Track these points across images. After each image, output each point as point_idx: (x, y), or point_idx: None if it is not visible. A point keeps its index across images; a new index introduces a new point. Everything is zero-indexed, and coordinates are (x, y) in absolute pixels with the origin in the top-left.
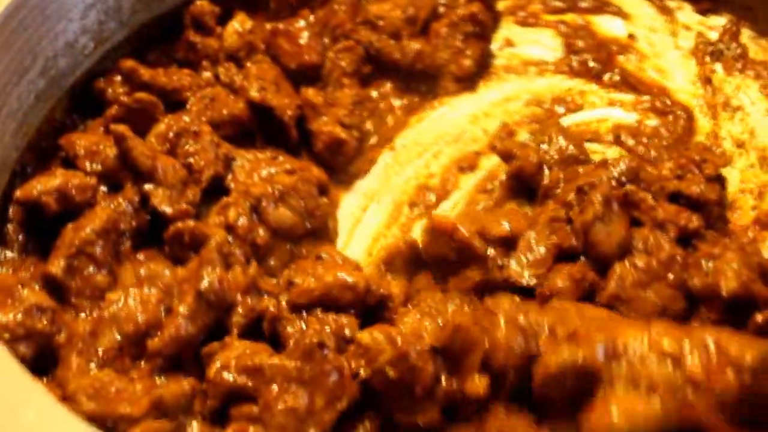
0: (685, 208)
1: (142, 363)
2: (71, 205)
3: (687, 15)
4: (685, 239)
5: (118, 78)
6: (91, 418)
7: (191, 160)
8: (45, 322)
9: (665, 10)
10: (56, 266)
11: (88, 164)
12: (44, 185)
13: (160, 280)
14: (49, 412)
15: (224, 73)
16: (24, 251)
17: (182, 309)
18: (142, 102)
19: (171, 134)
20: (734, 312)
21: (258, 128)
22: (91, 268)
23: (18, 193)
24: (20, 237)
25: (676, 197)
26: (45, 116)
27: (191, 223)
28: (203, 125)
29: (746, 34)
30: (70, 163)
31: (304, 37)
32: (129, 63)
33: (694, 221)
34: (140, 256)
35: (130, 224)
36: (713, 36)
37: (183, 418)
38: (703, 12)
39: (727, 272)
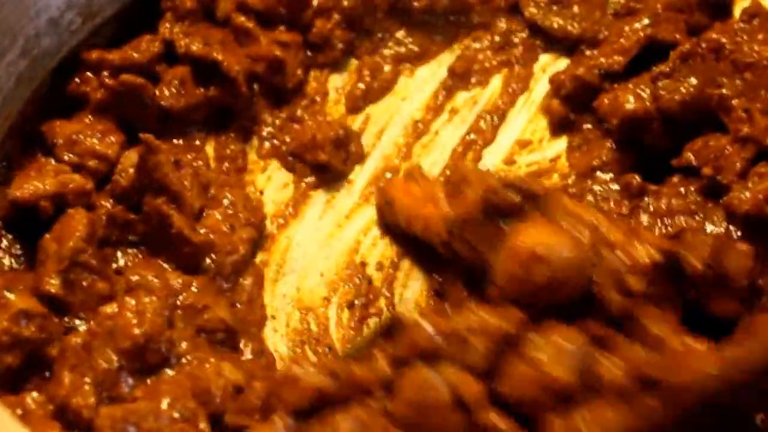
0: None
1: (149, 381)
2: (64, 208)
3: None
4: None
5: (90, 74)
6: None
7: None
8: (33, 329)
9: None
10: (52, 284)
11: (66, 155)
12: (42, 187)
13: (159, 288)
14: None
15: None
16: (11, 253)
17: None
18: (128, 84)
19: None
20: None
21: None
22: (90, 278)
23: (17, 194)
24: (8, 237)
25: None
26: (28, 99)
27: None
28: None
29: None
30: (50, 150)
31: None
32: (94, 54)
33: None
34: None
35: (115, 231)
36: None
37: None
38: None
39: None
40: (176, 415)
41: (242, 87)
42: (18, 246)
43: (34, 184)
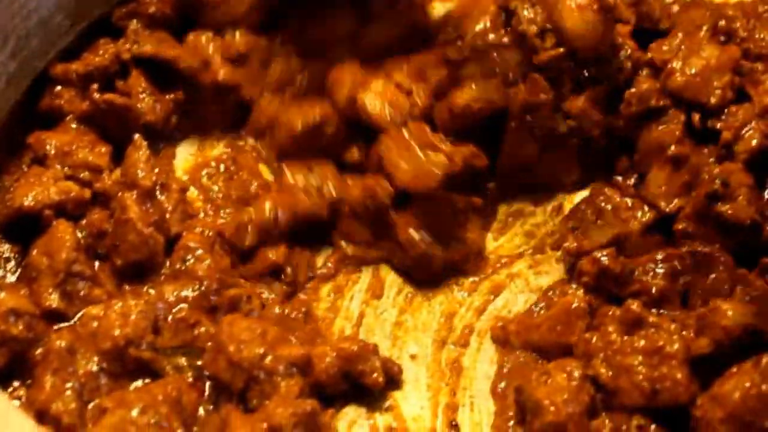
0: None
1: (140, 382)
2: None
3: None
4: None
5: (59, 88)
6: None
7: None
8: (21, 328)
9: None
10: (51, 299)
11: (58, 166)
12: (47, 195)
13: (150, 296)
14: None
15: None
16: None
17: None
18: (114, 105)
19: None
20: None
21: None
22: (86, 287)
23: (24, 202)
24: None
25: None
26: (17, 101)
27: None
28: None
29: None
30: (41, 161)
31: None
32: (59, 68)
33: None
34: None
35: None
36: None
37: None
38: None
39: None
40: (152, 421)
41: (203, 81)
42: (7, 252)
43: (39, 191)
